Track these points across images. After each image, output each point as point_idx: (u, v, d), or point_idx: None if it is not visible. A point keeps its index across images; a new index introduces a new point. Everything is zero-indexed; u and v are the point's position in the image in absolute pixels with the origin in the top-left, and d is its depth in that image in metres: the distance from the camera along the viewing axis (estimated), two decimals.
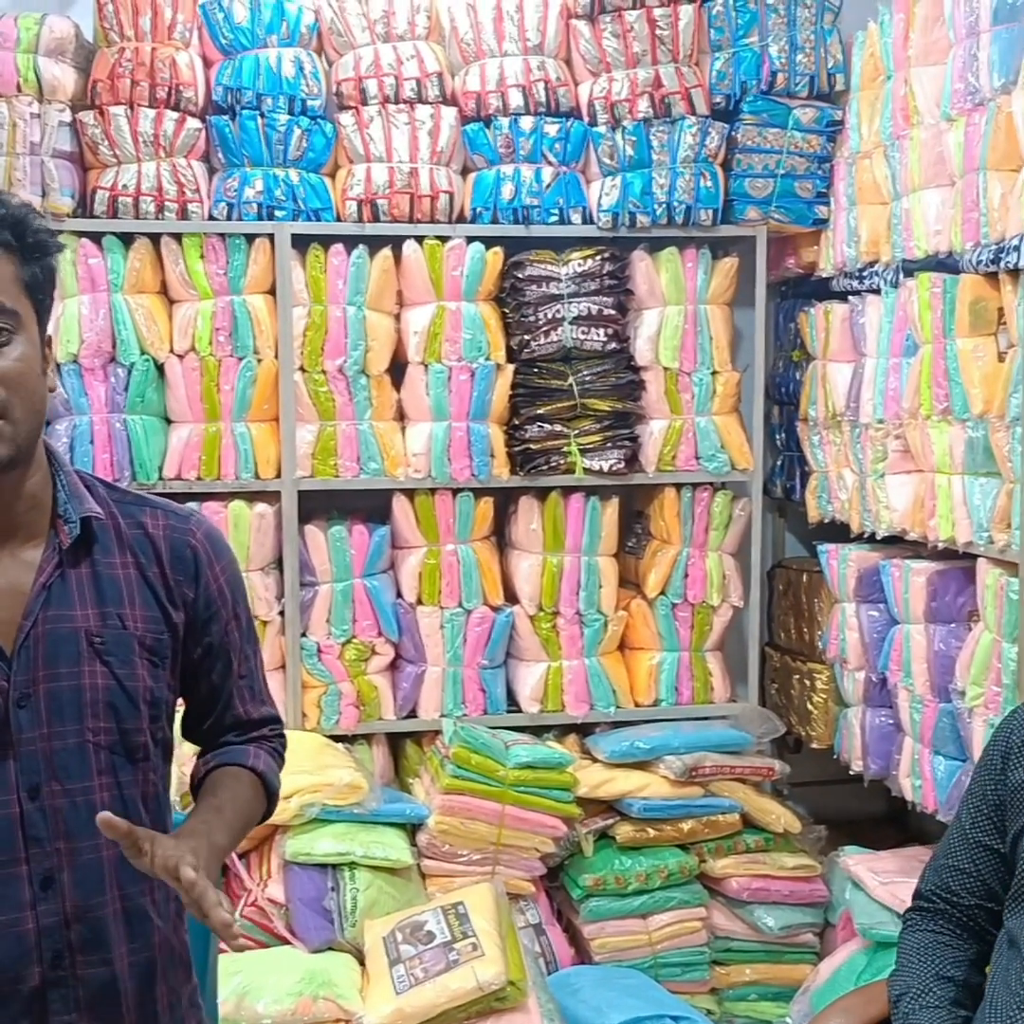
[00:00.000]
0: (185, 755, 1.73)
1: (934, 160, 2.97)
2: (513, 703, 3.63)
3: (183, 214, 3.34)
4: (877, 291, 3.29)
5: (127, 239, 3.35)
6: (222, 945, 1.87)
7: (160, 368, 3.38)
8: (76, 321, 3.29)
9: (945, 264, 2.96)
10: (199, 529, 1.54)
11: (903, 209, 3.12)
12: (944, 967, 1.75)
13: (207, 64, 3.44)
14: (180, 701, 1.60)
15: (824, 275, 3.62)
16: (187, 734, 1.64)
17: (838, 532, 3.54)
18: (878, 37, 3.27)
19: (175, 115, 3.33)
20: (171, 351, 3.38)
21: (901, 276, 3.14)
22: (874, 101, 3.31)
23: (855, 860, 3.13)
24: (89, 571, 1.44)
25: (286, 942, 2.93)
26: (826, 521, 3.62)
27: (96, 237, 3.32)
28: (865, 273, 3.37)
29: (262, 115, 3.36)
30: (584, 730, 3.63)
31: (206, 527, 1.56)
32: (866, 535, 3.34)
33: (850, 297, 3.41)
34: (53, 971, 1.40)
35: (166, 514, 1.53)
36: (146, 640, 1.46)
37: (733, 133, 3.53)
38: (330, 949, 2.92)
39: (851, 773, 3.43)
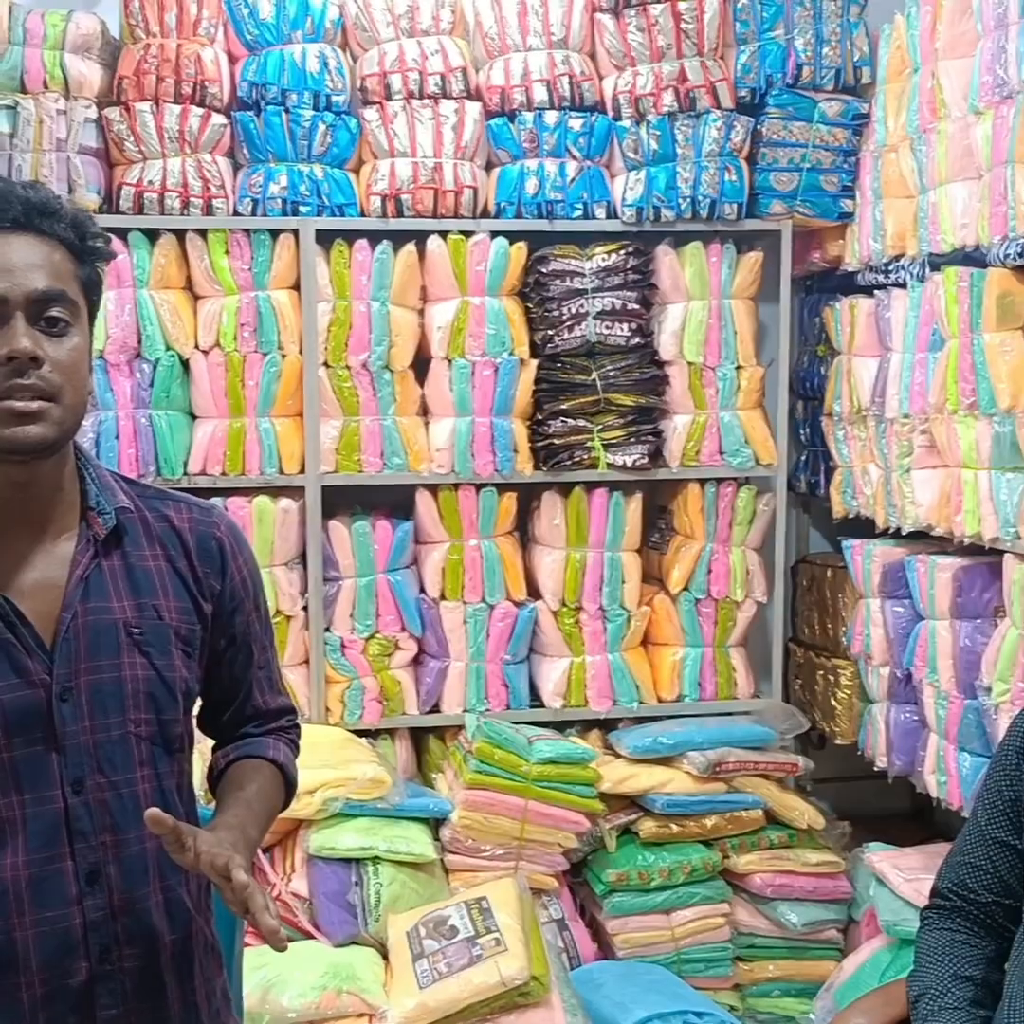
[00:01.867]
0: (207, 749, 1.74)
1: (961, 153, 2.95)
2: (536, 698, 3.63)
3: (208, 210, 3.35)
4: (903, 285, 3.27)
5: (152, 235, 3.36)
6: (247, 938, 1.88)
7: (185, 364, 3.40)
8: (102, 317, 3.29)
9: (972, 258, 2.94)
10: (222, 522, 1.57)
11: (930, 202, 3.10)
12: (962, 966, 1.74)
13: (232, 60, 3.45)
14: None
15: (849, 269, 3.60)
16: (205, 726, 1.65)
17: (862, 527, 3.53)
18: (905, 30, 3.24)
19: (200, 111, 3.34)
20: (196, 347, 3.39)
21: (927, 270, 3.13)
22: (901, 94, 3.29)
23: (879, 857, 3.12)
24: (122, 563, 1.46)
25: (310, 936, 2.94)
26: (851, 516, 3.60)
27: (122, 233, 3.33)
28: (891, 267, 3.35)
29: (287, 111, 3.36)
30: (607, 726, 3.63)
31: (228, 520, 1.58)
32: (891, 530, 3.33)
33: (876, 291, 3.40)
34: (100, 965, 1.41)
35: (189, 507, 1.55)
36: (181, 631, 1.48)
37: (758, 127, 3.51)
38: (354, 943, 2.93)
39: (875, 769, 3.41)
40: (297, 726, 1.69)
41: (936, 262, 3.09)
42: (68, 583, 1.41)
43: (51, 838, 1.39)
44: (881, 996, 1.88)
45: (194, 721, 1.59)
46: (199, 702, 1.61)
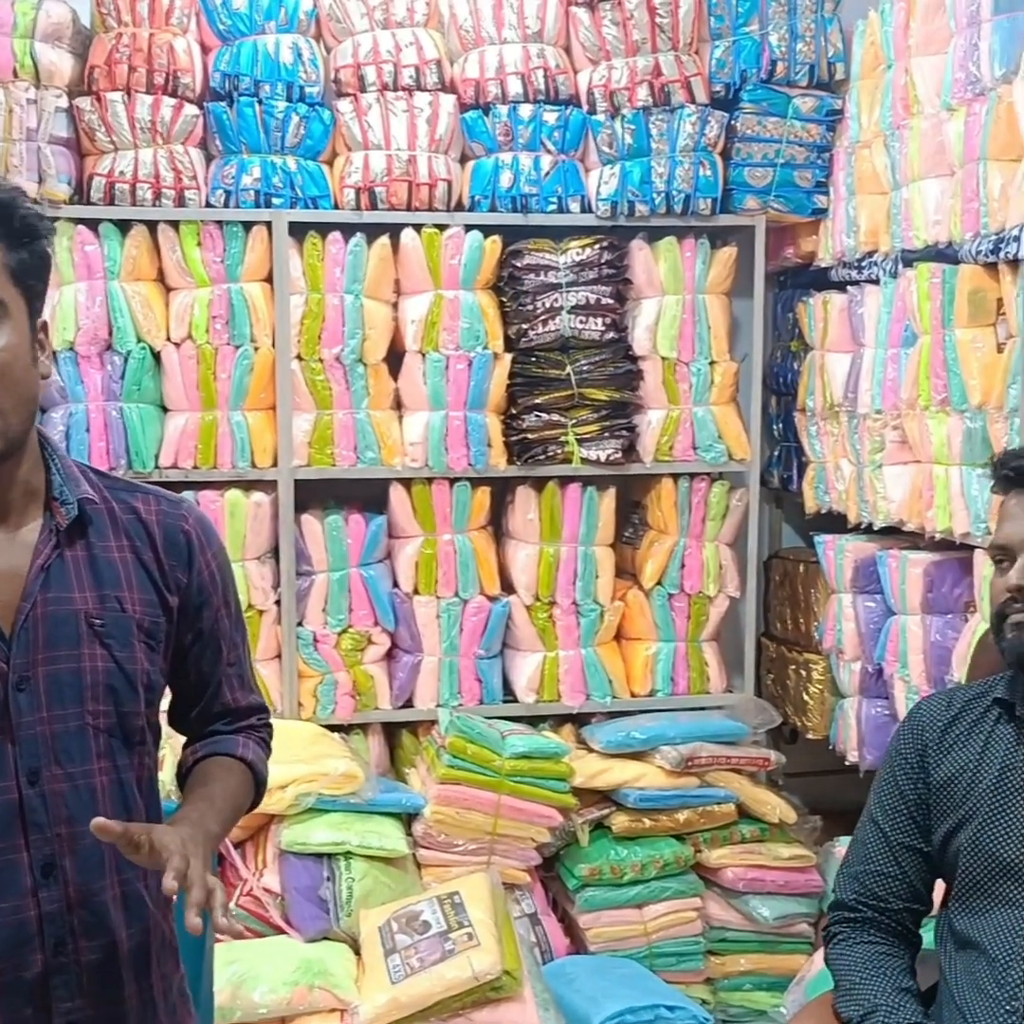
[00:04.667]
0: (178, 745, 1.72)
1: (934, 150, 2.96)
2: (509, 693, 3.63)
3: (180, 201, 3.33)
4: (876, 281, 3.28)
5: (124, 226, 3.33)
6: (219, 935, 1.87)
7: (157, 356, 3.37)
8: (72, 309, 3.28)
9: (944, 254, 2.96)
10: (191, 515, 1.53)
11: (903, 199, 3.11)
12: (898, 979, 1.71)
13: (205, 50, 3.42)
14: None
15: (823, 265, 3.61)
16: (174, 722, 1.63)
17: (835, 523, 3.54)
18: (879, 26, 3.25)
19: (172, 101, 3.31)
20: (168, 339, 3.36)
21: (900, 266, 3.14)
22: (874, 90, 3.30)
23: None
24: (86, 554, 1.43)
25: (281, 931, 2.93)
26: (823, 512, 3.62)
27: (93, 224, 3.30)
28: (864, 263, 3.36)
29: (260, 102, 3.34)
30: (580, 720, 3.63)
31: (197, 513, 1.55)
32: (863, 526, 3.34)
33: (849, 287, 3.41)
34: (55, 958, 1.39)
35: (158, 499, 1.52)
36: (144, 623, 1.45)
37: (732, 122, 3.52)
38: (326, 938, 2.92)
39: (847, 764, 3.43)
40: (269, 725, 1.66)
41: (909, 258, 3.10)
42: (29, 572, 1.39)
43: (6, 828, 1.37)
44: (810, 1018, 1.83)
45: (163, 716, 1.57)
46: (168, 697, 1.60)
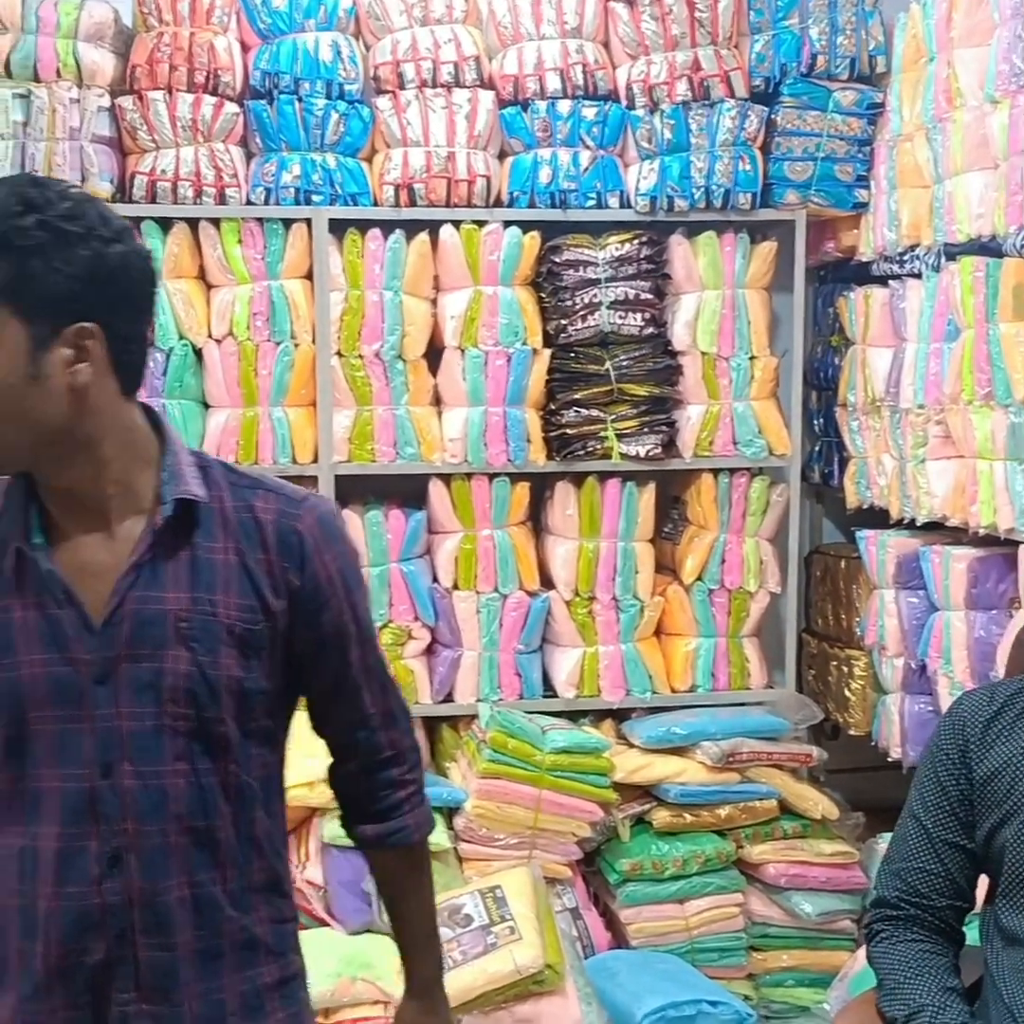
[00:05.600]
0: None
1: (977, 143, 2.93)
2: (549, 688, 3.63)
3: (221, 199, 3.35)
4: (918, 275, 3.26)
5: (165, 224, 3.36)
6: None
7: (198, 353, 3.40)
8: None
9: (988, 248, 2.93)
10: (310, 515, 1.47)
11: (945, 192, 3.09)
12: (944, 978, 1.69)
13: (245, 49, 3.44)
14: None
15: (864, 259, 3.59)
16: (317, 731, 1.60)
17: (876, 518, 3.52)
18: (920, 18, 3.23)
19: (213, 100, 3.34)
20: (209, 336, 3.39)
21: (943, 260, 3.12)
22: (916, 83, 3.28)
23: None
24: (188, 554, 1.41)
25: (325, 924, 2.94)
26: (864, 507, 3.60)
27: (135, 222, 3.31)
28: (906, 257, 3.34)
29: (300, 99, 3.36)
30: (620, 715, 3.63)
31: (319, 513, 1.49)
32: (905, 521, 3.32)
33: (890, 281, 3.39)
34: (117, 949, 1.40)
35: (279, 497, 1.48)
36: (236, 629, 1.41)
37: (772, 116, 3.50)
38: (368, 931, 2.93)
39: (889, 760, 3.41)
40: (419, 765, 1.62)
41: (951, 252, 3.08)
42: (123, 569, 1.40)
43: (79, 816, 1.38)
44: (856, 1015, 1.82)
45: (265, 722, 1.50)
46: (305, 705, 1.56)
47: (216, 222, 3.35)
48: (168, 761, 1.40)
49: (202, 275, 3.43)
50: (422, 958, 1.64)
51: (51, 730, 1.38)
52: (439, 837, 3.09)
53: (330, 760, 1.62)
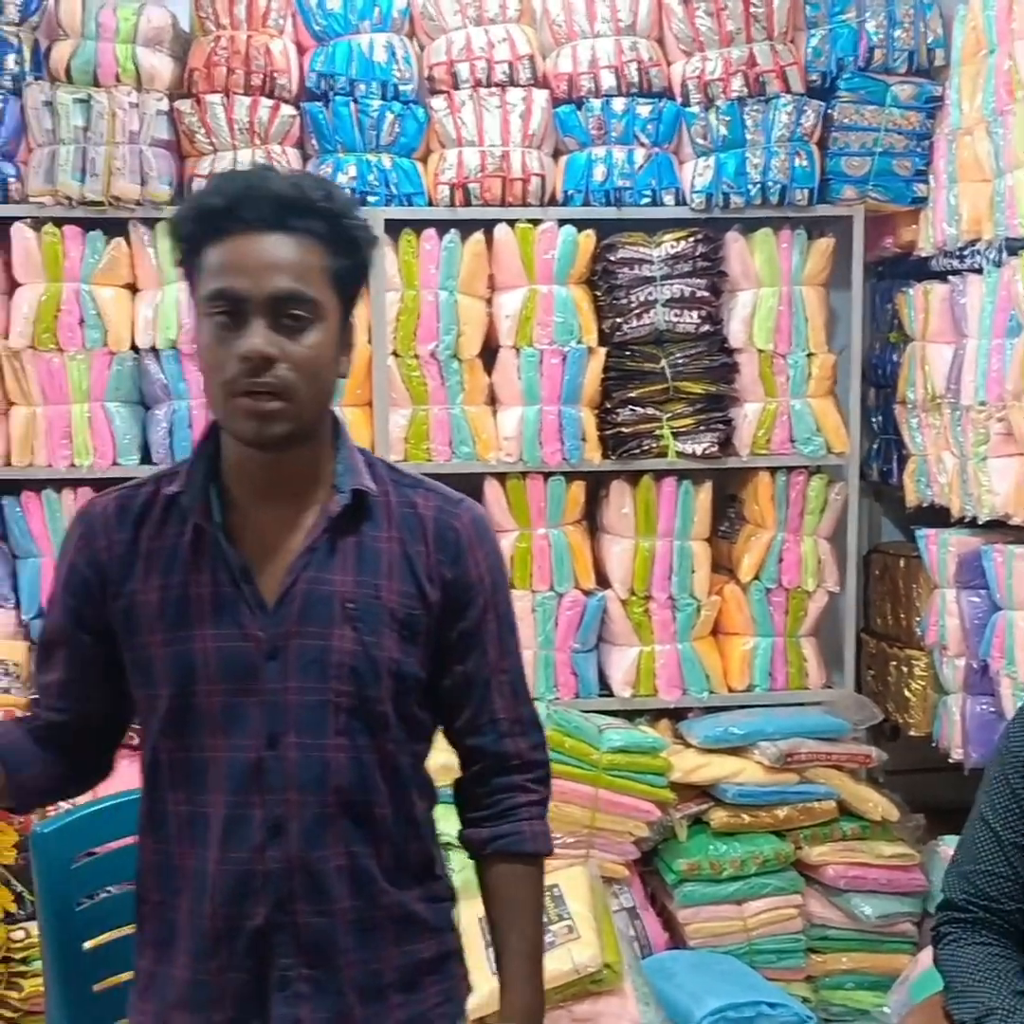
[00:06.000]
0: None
1: None
2: (605, 687, 3.62)
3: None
4: (978, 270, 3.21)
5: None
6: None
7: None
8: (175, 308, 3.34)
9: None
10: (467, 514, 1.57)
11: (1006, 186, 3.04)
12: (1013, 981, 1.66)
13: (301, 51, 3.47)
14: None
15: (923, 254, 3.55)
16: (448, 735, 1.63)
17: (935, 516, 3.48)
18: (980, 10, 3.18)
19: (269, 102, 3.36)
20: None
21: (1004, 255, 3.07)
22: (976, 76, 3.23)
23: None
24: (355, 541, 1.50)
25: None
26: (924, 505, 3.55)
27: None
28: (966, 252, 3.29)
29: (355, 101, 3.38)
30: (676, 715, 3.61)
31: (475, 515, 1.58)
32: (966, 519, 3.28)
33: (950, 277, 3.34)
34: (277, 914, 1.46)
35: (438, 497, 1.57)
36: (398, 613, 1.49)
37: (829, 111, 3.47)
38: None
39: (950, 761, 3.37)
40: (546, 781, 1.63)
41: (1013, 246, 3.03)
42: (298, 551, 1.48)
43: (245, 784, 1.46)
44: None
45: (416, 710, 1.55)
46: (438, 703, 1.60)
47: None
48: (330, 735, 1.47)
49: None
50: (522, 984, 1.58)
51: (219, 702, 1.46)
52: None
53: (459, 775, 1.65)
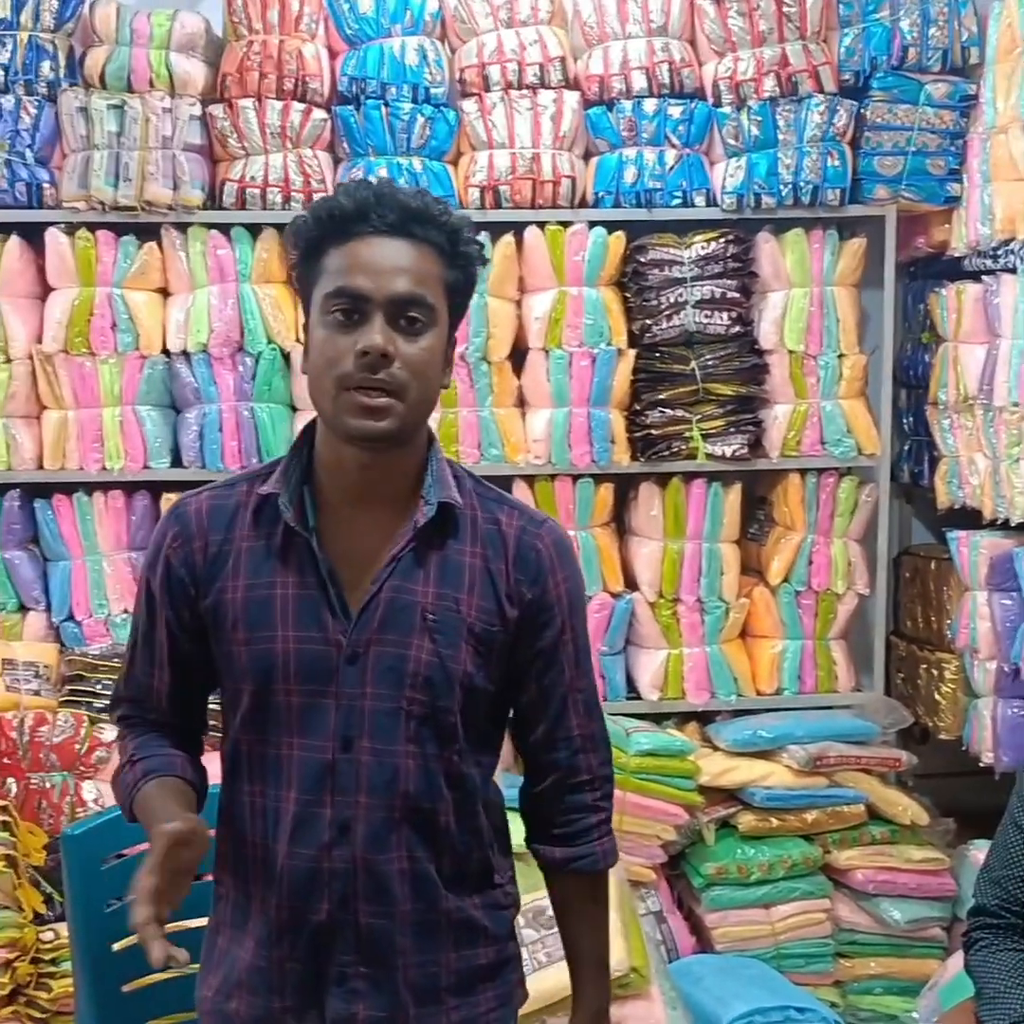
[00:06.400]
0: None
1: None
2: (633, 690, 3.62)
3: (309, 204, 3.39)
4: (1013, 270, 3.19)
5: (255, 230, 3.41)
6: None
7: (286, 357, 3.44)
8: (206, 311, 3.37)
9: None
10: (549, 535, 1.59)
11: None
12: None
13: (332, 55, 3.48)
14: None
15: (956, 254, 3.52)
16: (518, 746, 1.68)
17: (967, 518, 3.46)
18: (1016, 7, 3.17)
19: (301, 106, 3.38)
20: (297, 340, 3.43)
21: None
22: (1011, 74, 3.21)
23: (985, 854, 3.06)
24: (439, 553, 1.53)
25: None
26: (956, 507, 3.53)
27: (225, 228, 3.39)
28: (1000, 251, 3.27)
29: (386, 104, 3.38)
30: (704, 718, 3.60)
31: (557, 536, 1.60)
32: (999, 521, 3.25)
33: (983, 277, 3.32)
34: (339, 912, 1.51)
35: (521, 515, 1.59)
36: (475, 627, 1.52)
37: (862, 110, 3.45)
38: None
39: (981, 765, 3.35)
40: (611, 796, 1.68)
41: None
42: (384, 559, 1.51)
43: (317, 783, 1.50)
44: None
45: (484, 723, 1.59)
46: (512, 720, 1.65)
47: None
48: (401, 742, 1.50)
49: (291, 280, 3.47)
50: (593, 988, 1.67)
51: (297, 702, 1.50)
52: (523, 838, 3.09)
53: (523, 781, 1.69)
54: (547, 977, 2.68)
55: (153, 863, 1.35)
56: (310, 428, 1.57)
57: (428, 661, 1.50)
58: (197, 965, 1.60)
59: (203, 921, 1.67)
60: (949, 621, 3.55)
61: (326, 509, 1.53)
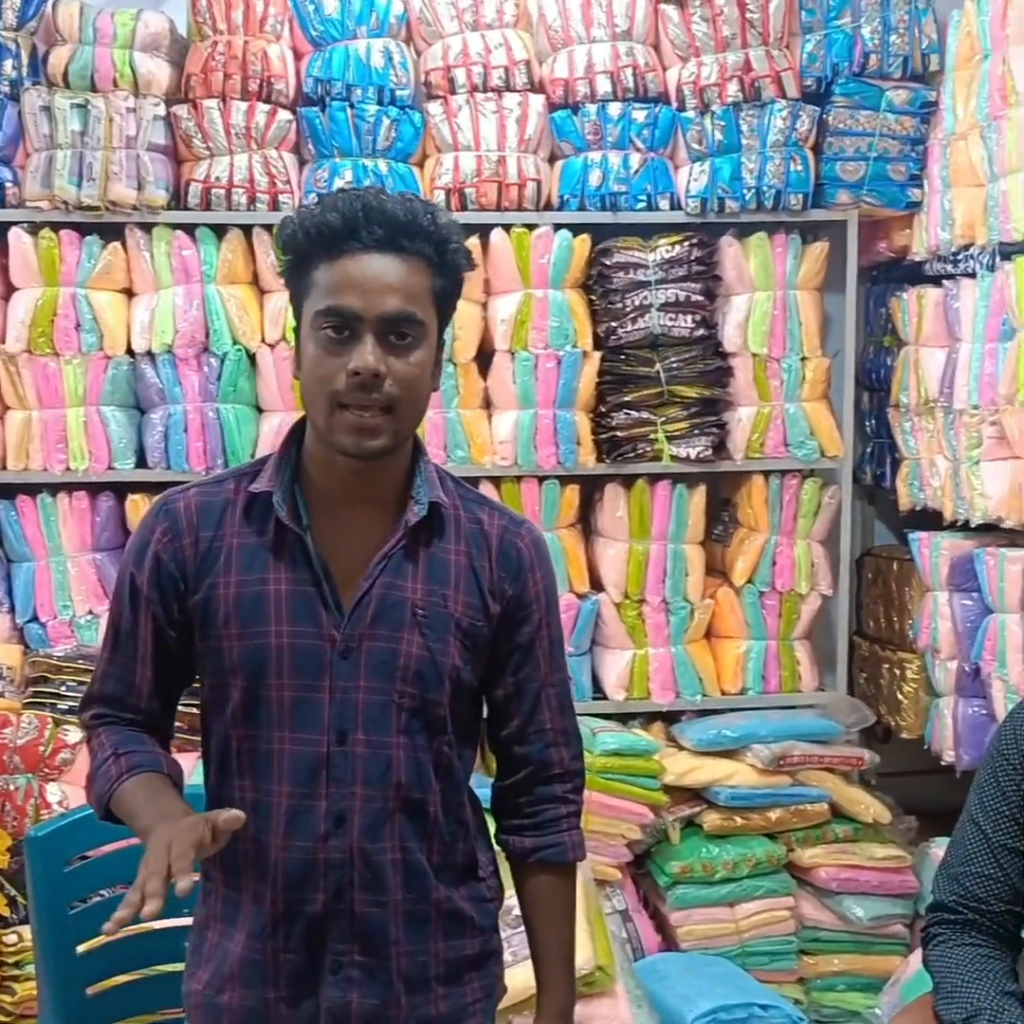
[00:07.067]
0: None
1: None
2: (598, 690, 3.64)
3: (274, 205, 3.39)
4: (972, 275, 3.23)
5: (220, 231, 3.40)
6: None
7: (252, 358, 3.43)
8: (170, 312, 3.35)
9: None
10: (528, 535, 1.63)
11: (1000, 191, 3.06)
12: (1002, 982, 1.68)
13: (297, 56, 3.48)
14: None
15: (917, 259, 3.57)
16: (492, 741, 1.70)
17: (929, 520, 3.50)
18: (975, 15, 3.21)
19: (266, 107, 3.37)
20: (262, 341, 3.43)
21: (998, 259, 3.09)
22: (970, 81, 3.25)
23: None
24: (426, 551, 1.57)
25: None
26: (917, 509, 3.57)
27: (190, 229, 3.38)
28: (960, 256, 3.31)
29: (351, 106, 3.39)
30: (670, 718, 3.62)
31: (535, 536, 1.65)
32: (959, 523, 3.29)
33: (944, 281, 3.36)
34: (335, 902, 1.53)
35: (502, 516, 1.64)
36: (462, 622, 1.56)
37: (824, 116, 3.49)
38: None
39: (942, 764, 3.38)
40: (581, 790, 1.72)
41: (1006, 251, 3.05)
42: (374, 557, 1.54)
43: (313, 776, 1.52)
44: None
45: (467, 716, 1.63)
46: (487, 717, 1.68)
47: (270, 228, 3.38)
48: (393, 733, 1.53)
49: (256, 281, 3.47)
50: (559, 985, 1.70)
51: (289, 696, 1.53)
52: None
53: (495, 776, 1.71)
54: (512, 975, 2.66)
55: (192, 841, 1.33)
56: (298, 427, 1.59)
57: (418, 655, 1.53)
58: (170, 965, 1.61)
59: (187, 920, 1.67)
60: (911, 621, 3.59)
61: (317, 507, 1.56)
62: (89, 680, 1.66)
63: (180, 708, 1.67)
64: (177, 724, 1.70)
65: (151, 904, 1.27)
